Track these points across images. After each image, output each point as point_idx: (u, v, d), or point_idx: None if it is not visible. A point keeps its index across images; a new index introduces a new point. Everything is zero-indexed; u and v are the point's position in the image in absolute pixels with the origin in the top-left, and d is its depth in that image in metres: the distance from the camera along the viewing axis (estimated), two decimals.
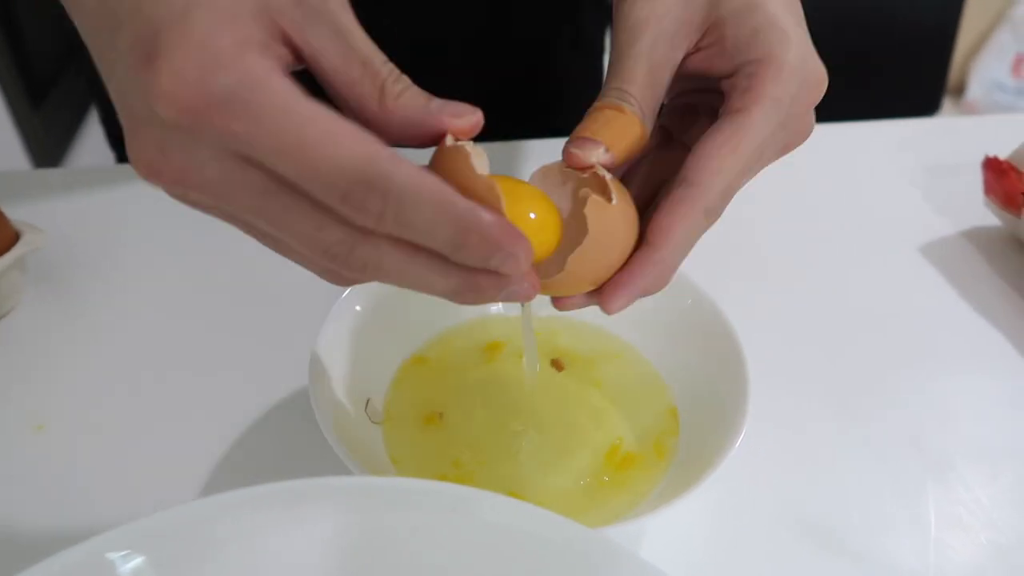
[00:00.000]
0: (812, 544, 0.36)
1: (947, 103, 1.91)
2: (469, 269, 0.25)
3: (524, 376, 0.38)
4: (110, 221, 0.50)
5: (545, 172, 0.29)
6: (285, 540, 0.24)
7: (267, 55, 0.23)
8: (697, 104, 0.33)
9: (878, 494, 0.38)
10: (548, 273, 0.28)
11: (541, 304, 0.41)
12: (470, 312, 0.41)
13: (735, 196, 0.29)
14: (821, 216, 0.53)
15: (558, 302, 0.29)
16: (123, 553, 0.18)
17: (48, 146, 1.36)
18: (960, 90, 1.93)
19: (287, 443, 0.38)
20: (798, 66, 0.29)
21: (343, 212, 0.23)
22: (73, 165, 1.40)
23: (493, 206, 0.25)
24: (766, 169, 0.61)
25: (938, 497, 0.38)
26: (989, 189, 0.50)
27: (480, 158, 0.27)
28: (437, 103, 0.26)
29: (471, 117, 0.26)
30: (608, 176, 0.28)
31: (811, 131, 0.31)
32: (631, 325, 0.41)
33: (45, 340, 0.43)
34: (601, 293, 0.28)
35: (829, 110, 0.63)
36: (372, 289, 0.38)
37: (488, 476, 0.35)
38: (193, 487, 0.36)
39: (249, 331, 0.43)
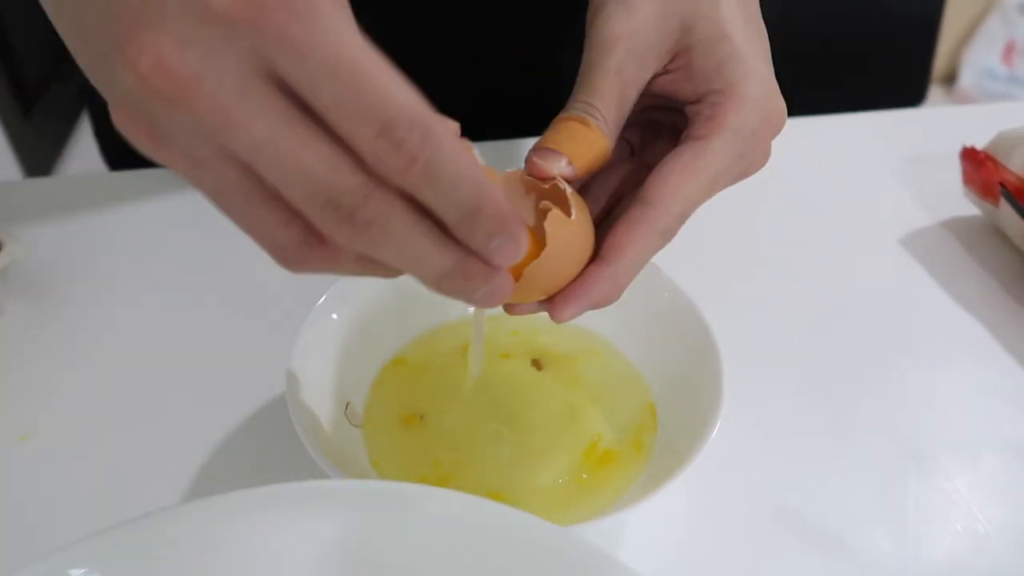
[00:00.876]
0: (791, 536, 0.36)
1: (939, 91, 1.91)
2: (466, 251, 0.24)
3: (469, 370, 0.37)
4: (95, 230, 0.50)
5: (507, 179, 0.30)
6: (259, 548, 0.24)
7: None
8: (660, 121, 0.33)
9: (858, 485, 0.38)
10: None
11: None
12: (448, 314, 0.41)
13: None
14: (800, 210, 0.53)
15: (510, 308, 0.29)
16: (82, 571, 0.18)
17: (39, 155, 1.36)
18: (951, 78, 1.93)
19: (268, 449, 0.38)
20: (760, 101, 0.30)
21: (373, 148, 0.21)
22: (64, 173, 1.40)
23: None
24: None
25: (918, 488, 0.38)
26: (967, 179, 0.50)
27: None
28: None
29: None
30: (569, 190, 0.28)
31: (766, 161, 0.32)
32: (611, 322, 0.41)
33: (28, 351, 0.43)
34: (552, 302, 0.29)
35: (810, 102, 0.64)
36: (348, 296, 0.38)
37: (468, 476, 0.35)
38: (175, 494, 0.37)
39: (230, 339, 0.44)
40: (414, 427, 0.37)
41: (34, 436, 0.39)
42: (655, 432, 0.37)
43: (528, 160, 0.29)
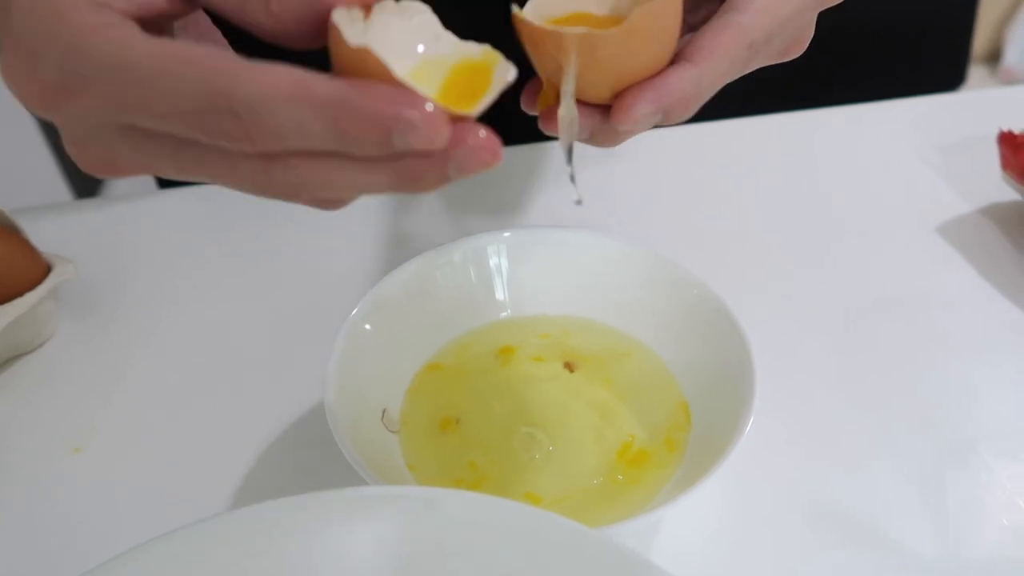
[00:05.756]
0: (829, 533, 0.36)
1: (983, 71, 1.86)
2: (391, 158, 0.21)
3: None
4: (141, 249, 0.52)
5: None
6: (307, 553, 0.25)
7: (99, 11, 0.20)
8: None
9: (895, 480, 0.38)
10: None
11: (554, 304, 0.42)
12: (482, 318, 0.42)
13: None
14: (833, 200, 0.52)
15: (581, 112, 0.27)
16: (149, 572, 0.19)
17: (87, 176, 1.40)
18: (996, 57, 1.88)
19: (309, 457, 0.39)
20: None
21: (221, 145, 0.20)
22: (112, 194, 1.44)
23: (380, 76, 0.20)
24: (776, 156, 0.61)
25: (957, 481, 0.37)
26: (1006, 164, 0.49)
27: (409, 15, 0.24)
28: None
29: None
30: None
31: (810, 38, 0.31)
32: (641, 322, 0.41)
33: (79, 367, 0.44)
34: (622, 97, 0.26)
35: (844, 88, 0.63)
36: (381, 305, 0.39)
37: (503, 478, 0.36)
38: (222, 502, 0.38)
39: (272, 354, 0.45)
40: (450, 431, 0.38)
41: (87, 449, 0.40)
42: (689, 431, 0.37)
43: None
